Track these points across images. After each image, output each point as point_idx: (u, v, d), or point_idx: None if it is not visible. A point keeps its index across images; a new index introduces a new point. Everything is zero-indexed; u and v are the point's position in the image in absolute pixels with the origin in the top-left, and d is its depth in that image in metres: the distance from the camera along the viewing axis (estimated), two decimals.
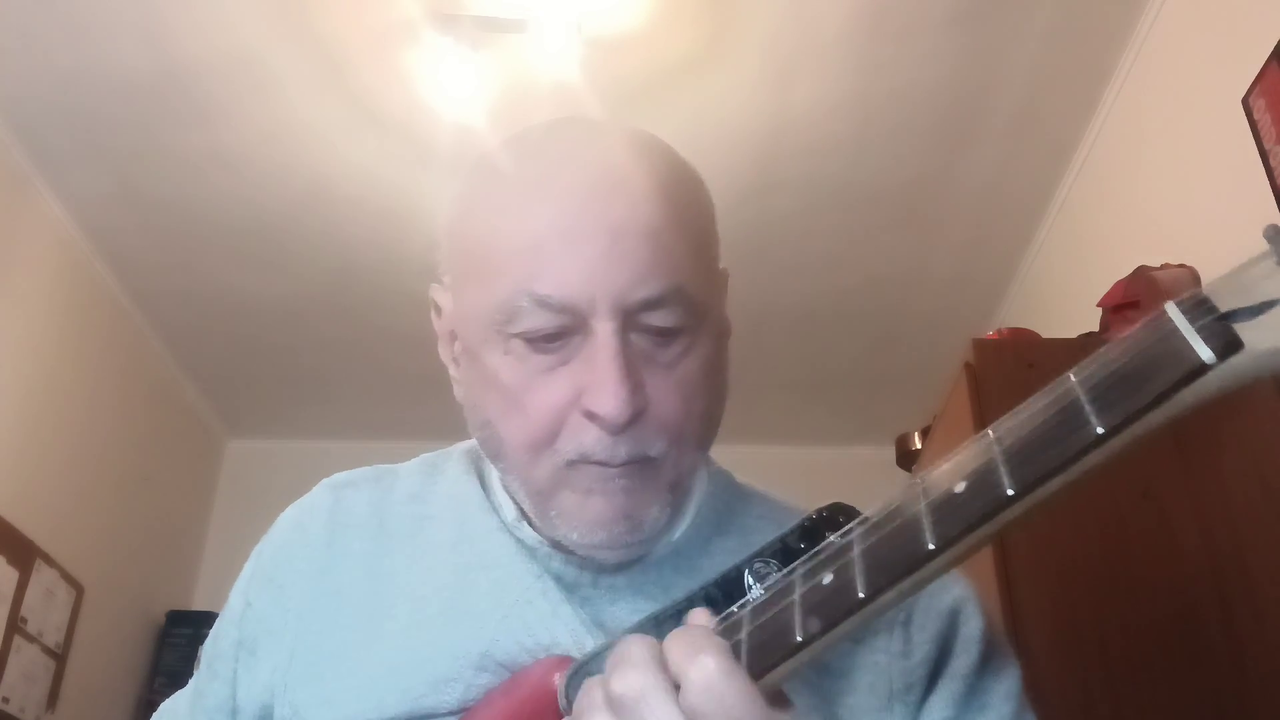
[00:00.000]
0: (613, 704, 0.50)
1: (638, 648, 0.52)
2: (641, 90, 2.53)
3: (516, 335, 0.64)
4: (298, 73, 2.50)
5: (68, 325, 3.10)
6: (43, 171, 2.83)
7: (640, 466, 0.65)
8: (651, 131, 0.73)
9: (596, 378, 0.63)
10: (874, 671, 0.67)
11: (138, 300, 3.39)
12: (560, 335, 0.64)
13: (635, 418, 0.63)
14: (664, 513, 0.67)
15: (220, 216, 2.98)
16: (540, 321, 0.63)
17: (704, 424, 0.69)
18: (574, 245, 0.63)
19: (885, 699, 0.67)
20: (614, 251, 0.63)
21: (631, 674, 0.50)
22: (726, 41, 2.44)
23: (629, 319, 0.63)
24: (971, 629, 0.70)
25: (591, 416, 0.63)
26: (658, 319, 0.64)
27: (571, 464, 0.65)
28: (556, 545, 0.71)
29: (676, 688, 0.50)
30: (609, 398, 0.62)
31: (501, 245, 0.65)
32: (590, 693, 0.52)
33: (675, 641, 0.51)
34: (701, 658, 0.49)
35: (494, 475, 0.76)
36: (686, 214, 0.67)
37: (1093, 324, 2.04)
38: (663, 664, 0.51)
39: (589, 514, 0.66)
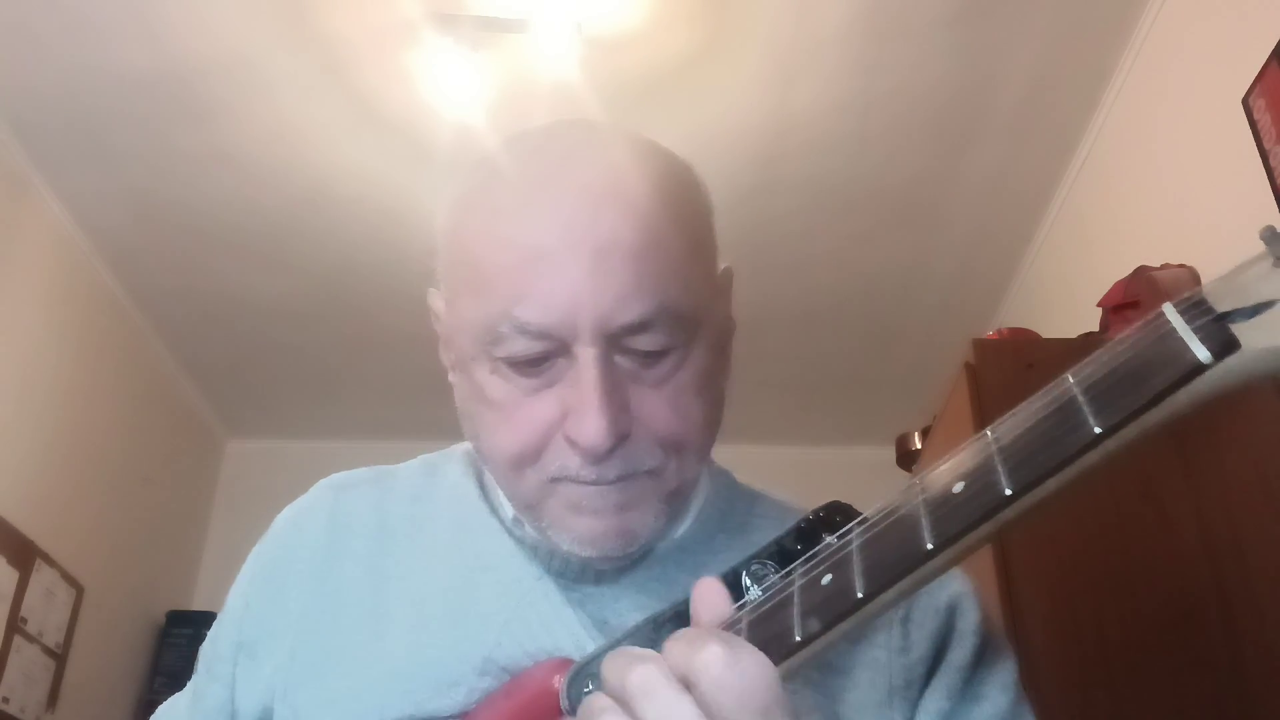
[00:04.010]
0: (621, 700, 0.48)
1: (635, 649, 0.50)
2: (642, 90, 2.53)
3: (501, 358, 0.64)
4: (298, 73, 2.50)
5: (67, 325, 3.10)
6: (43, 171, 2.83)
7: (635, 479, 0.65)
8: (646, 134, 0.72)
9: (578, 405, 0.62)
10: (874, 668, 0.67)
11: (137, 300, 3.39)
12: (545, 359, 0.63)
13: (618, 444, 0.63)
14: (660, 520, 0.67)
15: (220, 216, 2.98)
16: (523, 347, 0.63)
17: (704, 432, 0.68)
18: (555, 269, 0.61)
19: (885, 695, 0.67)
20: (596, 274, 0.61)
21: (636, 667, 0.48)
22: (726, 41, 2.44)
23: (613, 342, 0.62)
24: (968, 623, 0.70)
25: (573, 444, 0.63)
26: (643, 342, 0.63)
27: (557, 480, 0.65)
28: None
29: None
30: (588, 428, 0.61)
31: (487, 265, 0.64)
32: (593, 701, 0.50)
33: (673, 643, 0.49)
34: (706, 647, 0.47)
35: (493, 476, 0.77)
36: (676, 227, 0.65)
37: (1093, 324, 2.04)
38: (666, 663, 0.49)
39: (579, 529, 0.66)
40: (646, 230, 0.62)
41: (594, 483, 0.64)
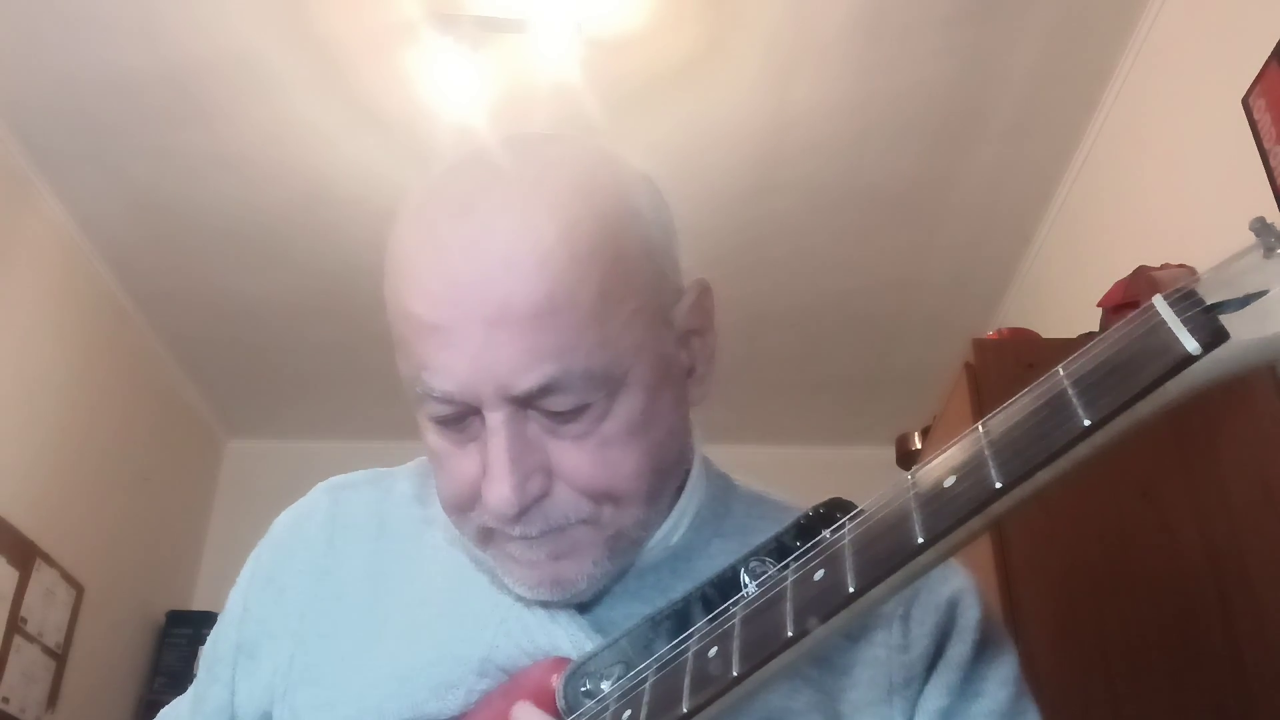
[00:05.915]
0: None
1: None
2: (642, 91, 2.54)
3: (427, 414, 0.65)
4: (298, 73, 2.50)
5: (68, 326, 3.10)
6: (43, 171, 2.83)
7: (567, 530, 0.64)
8: (592, 145, 0.69)
9: (486, 470, 0.62)
10: (874, 666, 0.67)
11: (138, 301, 3.39)
12: (461, 418, 0.63)
13: (531, 504, 0.63)
14: (602, 566, 0.66)
15: (220, 217, 2.98)
16: (437, 409, 0.63)
17: (641, 478, 0.65)
18: (449, 342, 0.60)
19: (885, 693, 0.66)
20: (489, 346, 0.59)
21: None
22: (726, 41, 2.44)
23: (521, 403, 0.61)
24: (968, 619, 0.70)
25: (485, 506, 0.63)
26: (553, 403, 0.61)
27: (490, 529, 0.66)
28: None
29: None
30: (492, 495, 0.61)
31: (397, 331, 0.65)
32: None
33: None
34: None
35: None
36: (584, 285, 0.60)
37: (1093, 324, 2.03)
38: None
39: (516, 574, 0.66)
40: (544, 295, 0.59)
41: (520, 537, 0.64)
